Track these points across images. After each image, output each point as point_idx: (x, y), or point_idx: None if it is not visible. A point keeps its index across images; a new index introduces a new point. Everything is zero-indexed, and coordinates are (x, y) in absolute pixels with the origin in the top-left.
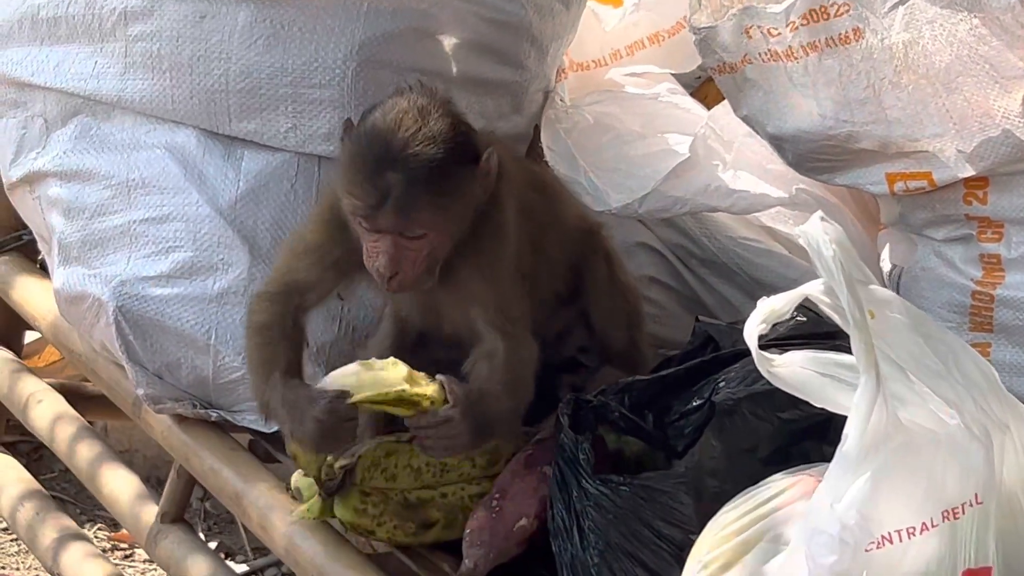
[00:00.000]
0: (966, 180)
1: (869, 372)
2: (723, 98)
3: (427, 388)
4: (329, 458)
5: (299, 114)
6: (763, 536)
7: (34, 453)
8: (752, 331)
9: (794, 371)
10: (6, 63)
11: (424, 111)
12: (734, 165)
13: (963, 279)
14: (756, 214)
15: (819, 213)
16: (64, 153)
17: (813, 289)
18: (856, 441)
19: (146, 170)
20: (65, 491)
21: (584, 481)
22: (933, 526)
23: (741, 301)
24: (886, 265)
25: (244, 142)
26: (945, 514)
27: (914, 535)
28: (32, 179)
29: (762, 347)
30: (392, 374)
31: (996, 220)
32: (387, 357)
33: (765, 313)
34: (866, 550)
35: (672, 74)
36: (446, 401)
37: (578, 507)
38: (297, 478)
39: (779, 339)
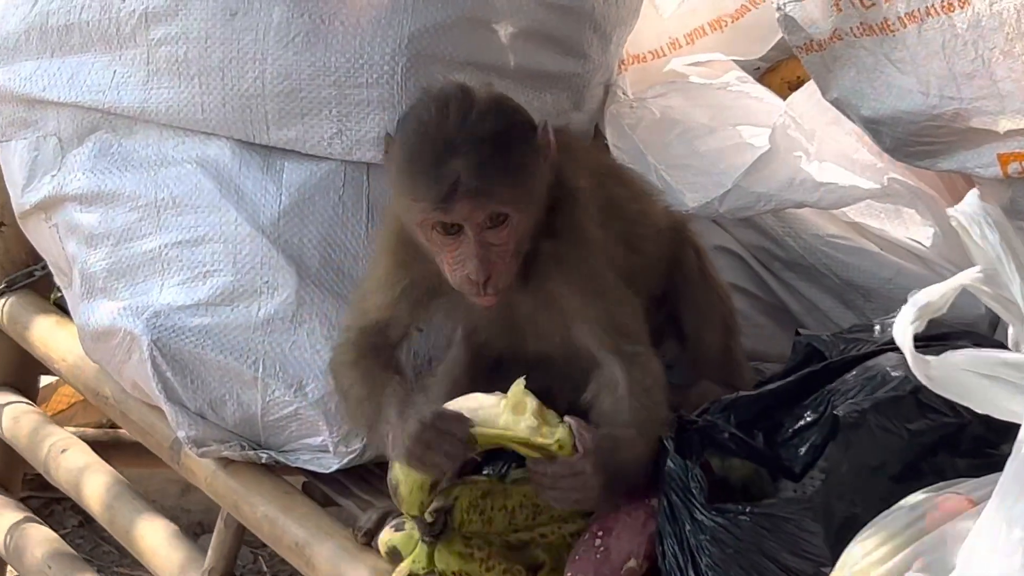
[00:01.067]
0: None
1: None
2: (789, 88)
3: (556, 431)
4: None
5: (345, 118)
6: (911, 565)
7: (44, 509)
8: (906, 329)
9: (954, 374)
10: (14, 79)
11: (466, 92)
12: (818, 156)
13: None
14: (843, 209)
15: (975, 191)
16: (83, 174)
17: (971, 278)
18: None
19: (176, 188)
20: (80, 548)
21: (698, 512)
22: None
23: (830, 306)
24: None
25: (284, 152)
26: None
27: None
28: (48, 205)
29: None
30: (518, 408)
31: None
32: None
33: (919, 308)
34: None
35: (736, 62)
36: (575, 448)
37: (692, 542)
38: (389, 537)
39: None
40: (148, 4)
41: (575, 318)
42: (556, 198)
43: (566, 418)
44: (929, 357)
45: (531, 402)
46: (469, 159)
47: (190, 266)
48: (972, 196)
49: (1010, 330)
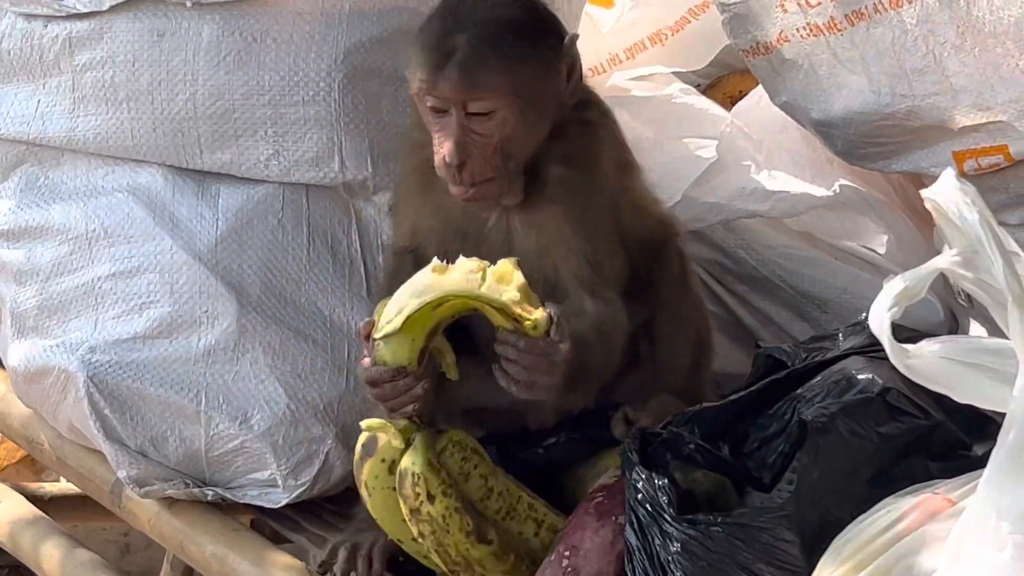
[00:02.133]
0: None
1: None
2: (731, 103)
3: (536, 311)
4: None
5: (281, 138)
6: (892, 569)
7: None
8: (882, 317)
9: (935, 362)
10: None
11: None
12: (767, 165)
13: None
14: (795, 219)
15: (951, 171)
16: (9, 210)
17: (948, 262)
18: (1019, 439)
19: (108, 218)
20: None
21: (667, 525)
22: None
23: (786, 318)
24: None
25: (219, 176)
26: None
27: None
28: None
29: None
30: (503, 279)
31: None
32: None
33: (895, 295)
34: None
35: (677, 74)
36: (547, 334)
37: (664, 556)
38: (367, 424)
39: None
40: (72, 29)
41: (563, 249)
42: (578, 128)
43: (547, 304)
44: (908, 346)
45: (519, 277)
46: (470, 36)
47: (125, 299)
48: (948, 176)
49: (972, 327)
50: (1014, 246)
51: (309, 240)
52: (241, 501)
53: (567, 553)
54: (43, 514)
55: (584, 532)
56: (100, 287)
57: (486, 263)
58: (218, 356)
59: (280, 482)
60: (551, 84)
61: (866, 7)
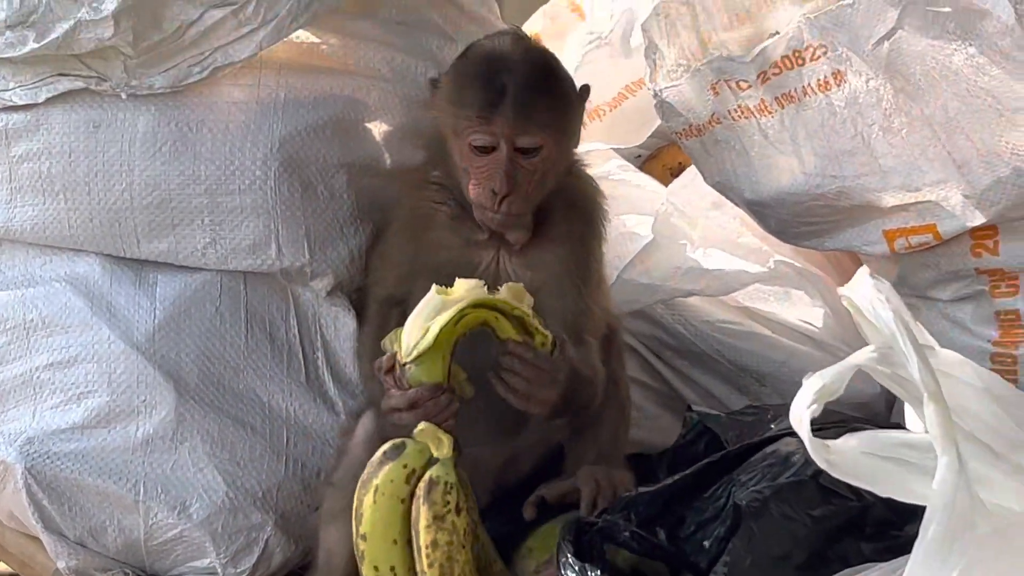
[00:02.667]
0: (973, 231)
1: (949, 451)
2: (671, 175)
3: (548, 333)
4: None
5: (218, 226)
6: None
7: None
8: (802, 414)
9: (855, 457)
10: None
11: (522, 34)
12: (703, 243)
13: (979, 341)
14: (732, 294)
15: (865, 269)
16: None
17: (866, 358)
18: (939, 533)
19: (45, 308)
20: None
21: None
22: None
23: (724, 392)
24: None
25: (157, 265)
26: None
27: None
28: None
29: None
30: (517, 297)
31: (1011, 271)
32: None
33: (815, 392)
34: None
35: (616, 150)
36: (551, 354)
37: None
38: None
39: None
40: (8, 120)
41: (556, 290)
42: (577, 178)
43: (553, 333)
44: (828, 441)
45: (529, 299)
46: (521, 77)
47: (63, 388)
48: (862, 274)
49: (907, 409)
50: (929, 340)
51: (247, 327)
52: None
53: None
54: None
55: None
56: (38, 377)
57: (483, 281)
58: (156, 445)
59: (220, 570)
60: (577, 123)
61: (795, 90)
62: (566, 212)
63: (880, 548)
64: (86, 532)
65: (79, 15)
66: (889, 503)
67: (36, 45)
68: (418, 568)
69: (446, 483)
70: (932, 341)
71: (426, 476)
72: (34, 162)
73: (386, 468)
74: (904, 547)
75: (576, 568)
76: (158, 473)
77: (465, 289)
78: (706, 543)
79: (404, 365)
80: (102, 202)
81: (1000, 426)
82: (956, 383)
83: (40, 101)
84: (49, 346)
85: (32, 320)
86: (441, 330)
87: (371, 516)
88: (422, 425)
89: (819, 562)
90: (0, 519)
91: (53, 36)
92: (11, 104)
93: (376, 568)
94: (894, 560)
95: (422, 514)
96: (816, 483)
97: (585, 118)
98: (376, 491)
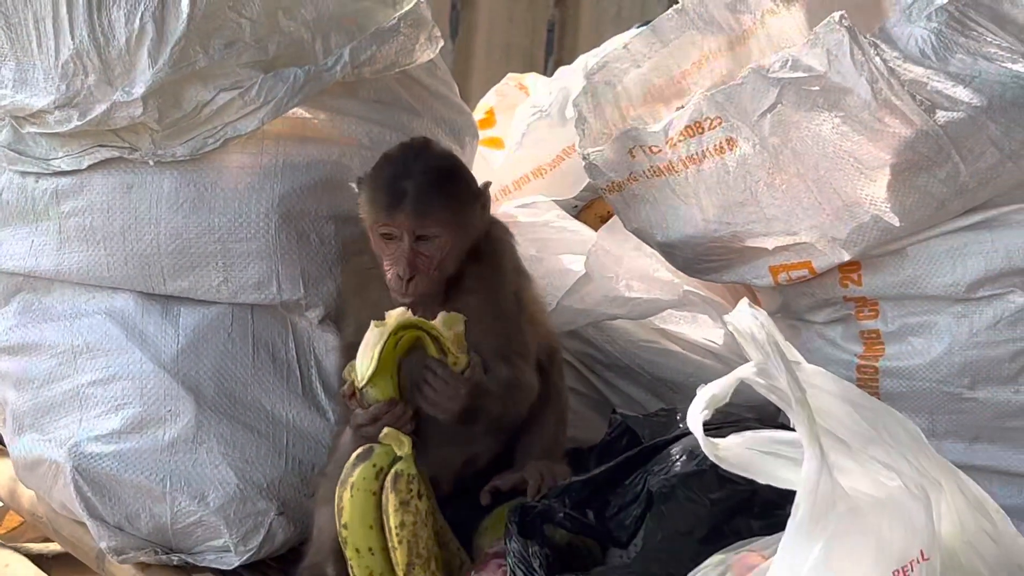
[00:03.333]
0: (840, 266)
1: (813, 446)
2: (601, 221)
3: (461, 356)
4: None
5: (229, 267)
6: None
7: None
8: (696, 418)
9: (739, 452)
10: None
11: (426, 143)
12: (626, 276)
13: (847, 355)
14: (650, 318)
15: (745, 300)
16: (10, 329)
17: (747, 372)
18: (807, 513)
19: (89, 336)
20: None
21: None
22: None
23: (644, 398)
24: None
25: (180, 299)
26: (896, 573)
27: None
28: None
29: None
30: (448, 324)
31: (871, 299)
32: None
33: (706, 400)
34: None
35: (556, 202)
36: (463, 373)
37: None
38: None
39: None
40: (58, 183)
41: (478, 331)
42: (487, 244)
43: (473, 353)
44: (717, 440)
45: (460, 327)
46: (417, 182)
47: (104, 401)
48: (743, 305)
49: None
50: (797, 356)
51: (254, 349)
52: (201, 564)
53: None
54: (45, 574)
55: None
56: (83, 392)
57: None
58: (180, 447)
59: (232, 548)
60: (474, 215)
61: (697, 153)
62: (476, 267)
63: (766, 524)
64: (123, 518)
65: (114, 98)
66: (773, 488)
67: (79, 122)
68: (390, 546)
69: (409, 475)
70: (799, 357)
71: (392, 471)
72: (79, 217)
73: (359, 468)
74: (785, 523)
75: (520, 543)
76: (181, 469)
77: (397, 316)
78: (627, 522)
79: (361, 389)
80: (135, 249)
81: (854, 425)
82: (819, 391)
83: (83, 167)
84: (92, 367)
85: (78, 345)
86: (382, 354)
87: (350, 508)
88: (386, 430)
89: (717, 536)
90: (55, 508)
91: (93, 115)
92: (60, 170)
93: (357, 550)
94: (776, 534)
95: (390, 501)
96: (715, 472)
97: (530, 175)
98: (352, 487)
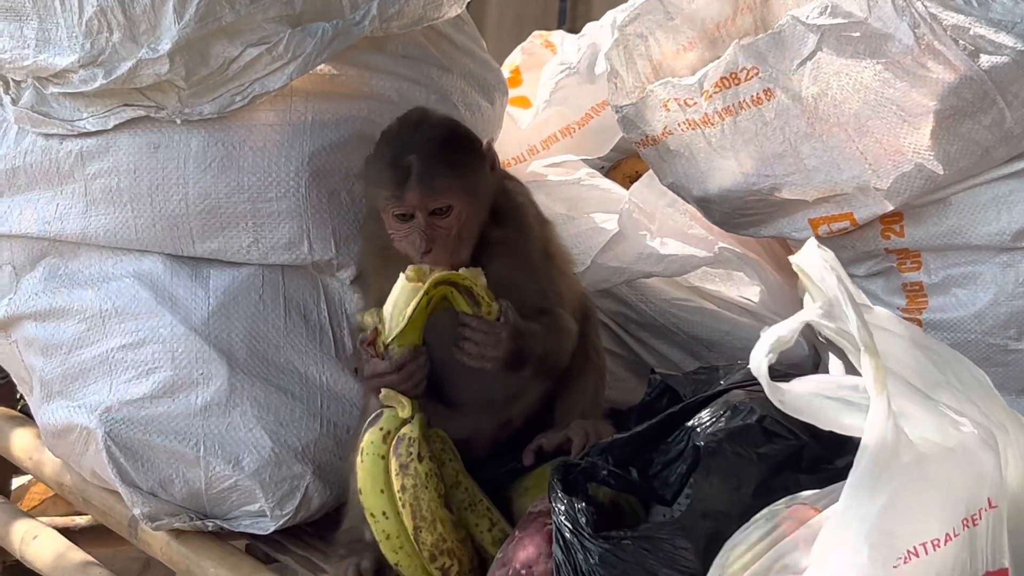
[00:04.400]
0: (882, 217)
1: (881, 392)
2: (629, 181)
3: (493, 302)
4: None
5: (259, 228)
6: (772, 567)
7: None
8: (761, 362)
9: (804, 398)
10: None
11: (424, 112)
12: (659, 233)
13: (889, 309)
14: (684, 276)
15: (813, 240)
16: (36, 295)
17: (812, 315)
18: (871, 462)
19: (118, 300)
20: None
21: (587, 541)
22: (956, 535)
23: (679, 358)
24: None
25: (209, 261)
26: (965, 522)
27: (939, 546)
28: (7, 324)
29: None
30: (473, 278)
31: (914, 250)
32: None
33: (771, 343)
34: (894, 567)
35: (584, 161)
36: (499, 319)
37: (585, 568)
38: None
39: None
40: (83, 144)
41: (514, 295)
42: (504, 200)
43: (500, 299)
44: (782, 384)
45: (482, 279)
46: (421, 156)
47: (134, 366)
48: (811, 244)
49: (831, 367)
50: (864, 300)
51: (285, 311)
52: (236, 530)
53: (523, 572)
54: (74, 544)
55: (539, 555)
56: (113, 357)
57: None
58: (213, 411)
59: (268, 513)
60: (484, 178)
61: (733, 104)
62: (499, 228)
63: (814, 479)
64: (157, 484)
65: (140, 55)
66: (821, 442)
67: (104, 81)
68: (398, 509)
69: (409, 438)
70: (867, 301)
71: (397, 435)
72: (105, 179)
73: (368, 433)
74: (834, 478)
75: (565, 501)
76: (215, 433)
77: (424, 273)
78: (671, 479)
79: (387, 346)
80: (162, 210)
81: (922, 370)
82: (886, 334)
83: (109, 128)
84: (122, 331)
85: (107, 310)
86: (415, 311)
87: (362, 473)
88: (384, 392)
89: (765, 491)
90: (84, 476)
91: (118, 73)
92: (85, 131)
93: (372, 515)
94: (828, 487)
95: (392, 465)
96: (760, 426)
97: (558, 134)
98: (363, 452)
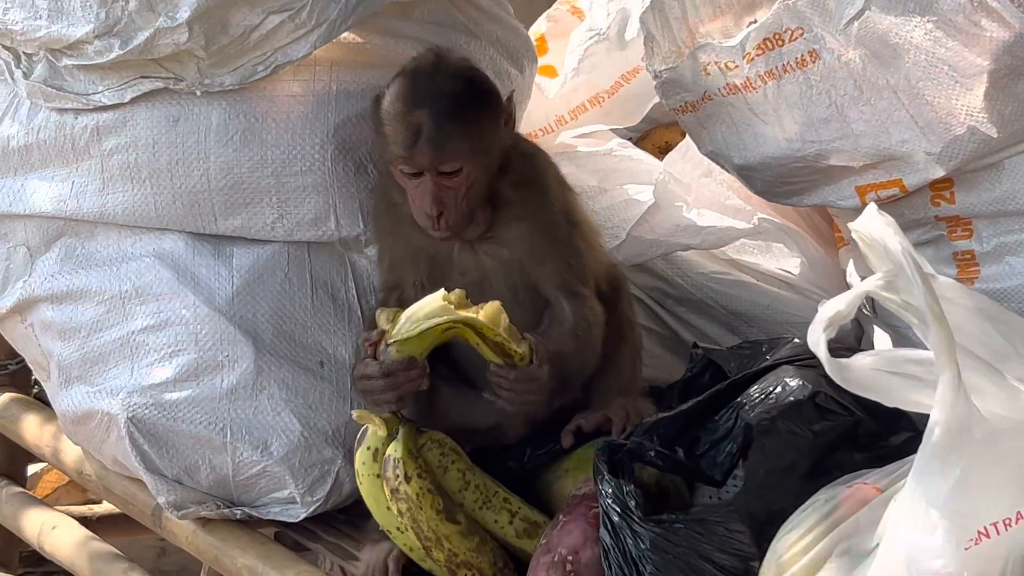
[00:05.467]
0: (932, 183)
1: (951, 367)
2: (660, 152)
3: (521, 345)
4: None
5: (284, 203)
6: (832, 551)
7: None
8: (819, 337)
9: (868, 373)
10: None
11: (439, 57)
12: (696, 204)
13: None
14: (722, 248)
15: (874, 206)
16: (52, 276)
17: (874, 285)
18: (942, 439)
19: (138, 280)
20: None
21: (636, 525)
22: None
23: (718, 334)
24: (854, 280)
25: (232, 239)
26: None
27: (1010, 525)
28: (22, 307)
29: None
30: (493, 320)
31: (965, 217)
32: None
33: (829, 317)
34: (966, 548)
35: (613, 131)
36: (531, 361)
37: (635, 553)
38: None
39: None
40: (99, 119)
41: (535, 262)
42: (519, 159)
43: (526, 335)
44: (842, 360)
45: (504, 318)
46: (431, 113)
47: (157, 348)
48: (872, 211)
49: (875, 341)
50: (930, 269)
51: (312, 289)
52: (266, 518)
53: (569, 557)
54: (92, 534)
55: (585, 540)
56: (135, 340)
57: (479, 306)
58: (239, 394)
59: (298, 499)
60: (497, 135)
61: (776, 67)
62: (517, 190)
63: (870, 457)
64: (182, 471)
65: (157, 24)
66: (876, 418)
67: (121, 52)
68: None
69: (394, 460)
70: (932, 270)
71: (382, 455)
72: (123, 154)
73: (358, 454)
74: (890, 456)
75: (613, 483)
76: (242, 418)
77: (460, 305)
78: (719, 459)
79: (388, 345)
80: (183, 186)
81: (991, 341)
82: (953, 305)
83: (126, 101)
84: (143, 313)
85: (127, 291)
86: (431, 328)
87: (364, 495)
88: (355, 412)
89: (819, 471)
90: (105, 464)
91: (135, 43)
92: (101, 104)
93: (388, 531)
94: (888, 466)
95: (384, 490)
96: (813, 403)
97: (587, 104)
98: (358, 475)
